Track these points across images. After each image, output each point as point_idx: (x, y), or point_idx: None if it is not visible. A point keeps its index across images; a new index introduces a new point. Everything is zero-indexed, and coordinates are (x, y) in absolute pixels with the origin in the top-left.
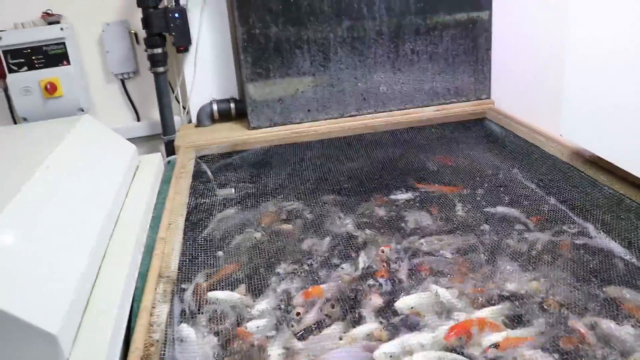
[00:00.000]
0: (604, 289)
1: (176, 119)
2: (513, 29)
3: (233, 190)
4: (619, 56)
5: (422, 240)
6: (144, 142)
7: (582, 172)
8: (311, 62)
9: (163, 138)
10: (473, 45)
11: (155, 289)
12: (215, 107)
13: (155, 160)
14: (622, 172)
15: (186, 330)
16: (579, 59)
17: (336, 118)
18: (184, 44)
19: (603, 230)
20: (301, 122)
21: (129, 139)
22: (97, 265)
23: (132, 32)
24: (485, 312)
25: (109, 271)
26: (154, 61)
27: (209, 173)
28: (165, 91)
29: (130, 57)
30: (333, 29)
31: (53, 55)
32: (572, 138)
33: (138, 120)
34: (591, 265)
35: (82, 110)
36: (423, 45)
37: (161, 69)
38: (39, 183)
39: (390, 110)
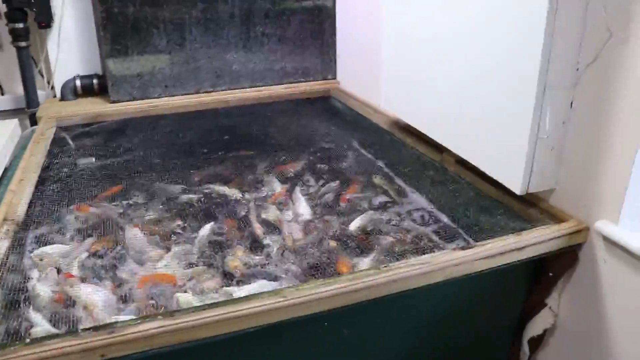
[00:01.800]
0: None
1: (41, 93)
2: (353, 15)
3: (93, 159)
4: (422, 40)
5: None
6: (9, 115)
7: (394, 135)
8: (167, 40)
9: (27, 111)
10: (319, 29)
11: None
12: (78, 82)
13: (11, 125)
14: (423, 135)
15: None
16: (391, 42)
17: (192, 93)
18: (45, 20)
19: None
20: (159, 97)
21: None
22: None
23: None
24: None
25: None
26: (16, 35)
27: (69, 140)
28: (28, 65)
29: None
30: (188, 10)
31: None
32: (389, 109)
33: (2, 94)
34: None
35: None
36: (272, 29)
37: (23, 44)
38: None
39: (243, 87)
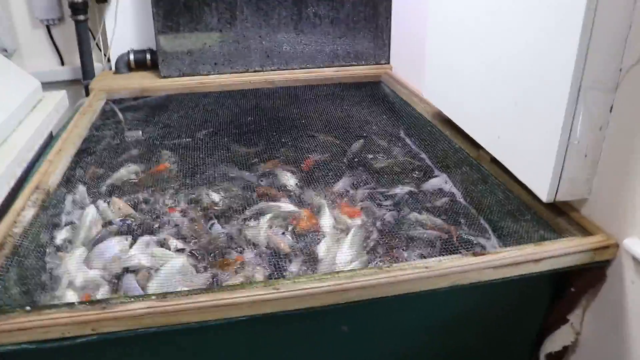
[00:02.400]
0: None
1: (98, 65)
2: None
3: (140, 132)
4: (463, 31)
5: None
6: (67, 85)
7: (435, 127)
8: (218, 19)
9: (83, 82)
10: (373, 12)
11: (30, 197)
12: (132, 56)
13: (58, 96)
14: (461, 129)
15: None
16: (435, 31)
17: (241, 72)
18: None
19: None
20: (208, 74)
21: (53, 82)
22: None
23: None
24: None
25: None
26: (75, 9)
27: (119, 114)
28: (86, 38)
29: (54, 5)
30: None
31: None
32: (430, 99)
33: (62, 64)
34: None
35: (6, 51)
36: (325, 10)
37: (81, 17)
38: None
39: (293, 68)
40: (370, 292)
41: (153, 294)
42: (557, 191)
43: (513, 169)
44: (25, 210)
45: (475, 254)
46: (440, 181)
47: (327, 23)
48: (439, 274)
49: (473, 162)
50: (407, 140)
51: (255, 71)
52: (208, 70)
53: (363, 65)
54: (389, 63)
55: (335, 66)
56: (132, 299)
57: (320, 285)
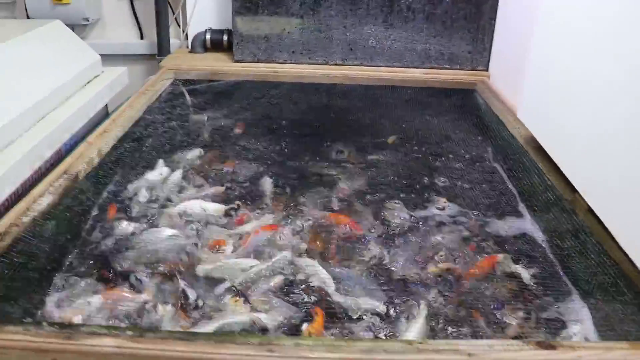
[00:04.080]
0: None
1: (176, 42)
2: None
3: (206, 117)
4: (582, 44)
5: None
6: (145, 60)
7: (527, 154)
8: (301, 4)
9: (157, 58)
10: (476, 11)
11: (53, 183)
12: (208, 36)
13: (117, 73)
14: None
15: None
16: (544, 41)
17: (320, 64)
18: None
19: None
20: (284, 63)
21: (130, 55)
22: None
23: None
24: None
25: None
26: None
27: (187, 97)
28: (164, 12)
29: None
30: None
31: None
32: (525, 122)
33: (142, 38)
34: None
35: (87, 20)
36: (420, 4)
37: None
38: None
39: (377, 66)
40: None
41: (130, 329)
42: None
43: (613, 228)
44: (44, 197)
45: (540, 345)
46: (523, 224)
47: (422, 18)
48: None
49: (566, 207)
50: (493, 166)
51: (335, 64)
52: (284, 58)
53: (457, 69)
54: (487, 70)
55: (425, 67)
56: (104, 332)
57: (327, 357)
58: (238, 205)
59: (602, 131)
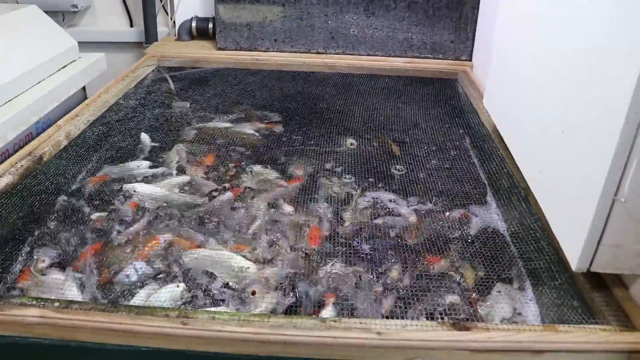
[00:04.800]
0: None
1: (165, 30)
2: None
3: (188, 104)
4: (530, 35)
5: None
6: (134, 47)
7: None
8: None
9: (144, 45)
10: (458, 0)
11: (16, 163)
12: (194, 24)
13: (93, 58)
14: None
15: None
16: (502, 30)
17: (301, 52)
18: None
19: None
20: (267, 51)
21: (120, 42)
22: None
23: None
24: None
25: None
26: None
27: (170, 82)
28: (152, 2)
29: None
30: None
31: None
32: (489, 110)
33: (131, 26)
34: None
35: (76, 7)
36: None
37: None
38: None
39: (359, 54)
40: (295, 350)
41: (58, 301)
42: (593, 259)
43: (548, 216)
44: (2, 178)
45: (455, 326)
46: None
47: (403, 7)
48: (394, 345)
49: (521, 193)
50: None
51: (317, 53)
52: (267, 46)
53: (440, 59)
54: (470, 60)
55: (407, 57)
56: (31, 303)
57: (236, 330)
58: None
59: (540, 118)
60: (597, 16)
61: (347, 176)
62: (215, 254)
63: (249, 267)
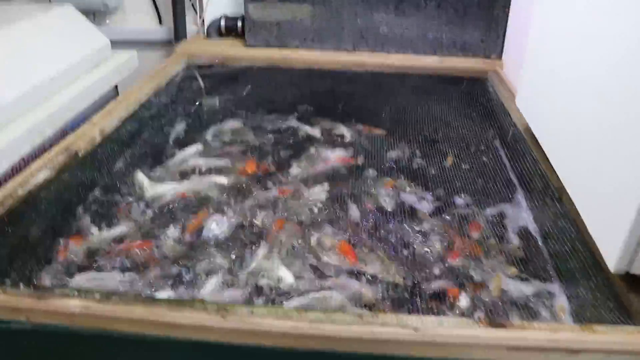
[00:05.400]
0: None
1: (194, 28)
2: None
3: (217, 101)
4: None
5: None
6: (163, 45)
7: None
8: None
9: (174, 44)
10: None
11: (53, 158)
12: (223, 22)
13: (125, 56)
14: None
15: None
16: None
17: (330, 50)
18: None
19: None
20: (296, 49)
21: (149, 41)
22: None
23: None
24: None
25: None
26: None
27: (200, 81)
28: (181, 0)
29: None
30: None
31: None
32: (522, 110)
33: (160, 23)
34: None
35: (107, 5)
36: None
37: None
38: None
39: (389, 53)
40: (333, 345)
41: (98, 292)
42: (631, 261)
43: (585, 215)
44: (41, 173)
45: (492, 324)
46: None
47: (433, 6)
48: (432, 342)
49: (554, 194)
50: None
51: (347, 51)
52: (296, 44)
53: (470, 57)
54: (500, 59)
55: (437, 55)
56: (74, 294)
57: (274, 324)
58: None
59: (581, 116)
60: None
61: None
62: None
63: None
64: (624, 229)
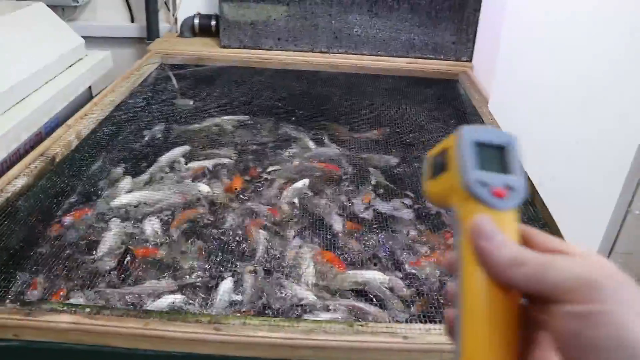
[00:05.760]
0: None
1: (166, 26)
2: None
3: (192, 102)
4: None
5: None
6: (135, 43)
7: None
8: None
9: (146, 42)
10: (460, 2)
11: (30, 164)
12: (197, 21)
13: (99, 57)
14: None
15: None
16: (511, 31)
17: (305, 51)
18: None
19: None
20: (270, 49)
21: (121, 38)
22: None
23: None
24: None
25: None
26: None
27: (174, 80)
28: None
29: None
30: None
31: None
32: (495, 114)
33: (132, 21)
34: None
35: (77, 2)
36: None
37: None
38: None
39: (362, 54)
40: (325, 355)
41: (88, 307)
42: None
43: (560, 222)
44: (18, 179)
45: None
46: None
47: (406, 9)
48: (420, 349)
49: (527, 199)
50: None
51: (321, 52)
52: (270, 45)
53: (441, 60)
54: (470, 61)
55: (409, 57)
56: (63, 309)
57: (267, 335)
58: None
59: (555, 125)
60: (615, 28)
61: None
62: None
63: None
64: (598, 236)
